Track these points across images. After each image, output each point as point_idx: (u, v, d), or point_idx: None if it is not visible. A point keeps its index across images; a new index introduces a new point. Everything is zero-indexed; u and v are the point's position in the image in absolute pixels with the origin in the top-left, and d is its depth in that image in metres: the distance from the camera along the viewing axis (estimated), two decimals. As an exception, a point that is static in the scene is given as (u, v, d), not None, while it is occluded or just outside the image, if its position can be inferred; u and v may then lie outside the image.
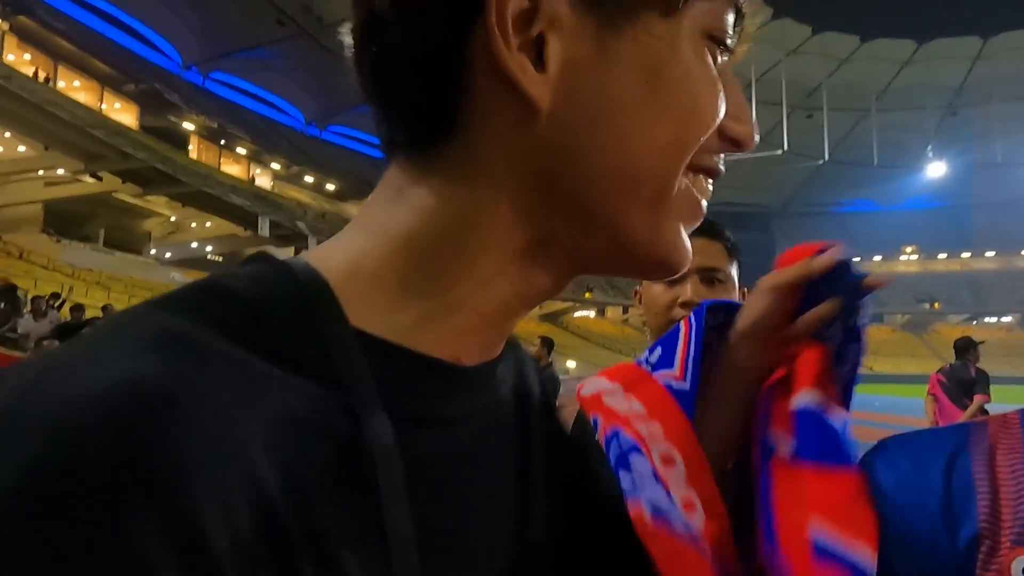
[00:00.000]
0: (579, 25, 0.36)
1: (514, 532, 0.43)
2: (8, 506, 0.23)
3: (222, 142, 33.72)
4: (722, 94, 0.39)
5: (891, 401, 17.28)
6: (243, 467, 0.29)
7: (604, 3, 0.36)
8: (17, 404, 0.26)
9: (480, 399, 0.43)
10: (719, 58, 0.40)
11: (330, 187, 41.87)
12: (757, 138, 0.44)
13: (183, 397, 0.28)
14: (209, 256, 31.82)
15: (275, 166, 37.68)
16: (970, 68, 44.58)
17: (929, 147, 51.63)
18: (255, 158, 36.00)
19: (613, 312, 48.65)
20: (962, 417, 5.76)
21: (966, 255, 59.78)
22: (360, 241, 0.40)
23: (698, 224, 0.43)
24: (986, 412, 5.55)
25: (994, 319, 55.12)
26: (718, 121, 0.39)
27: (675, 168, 0.38)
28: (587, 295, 43.26)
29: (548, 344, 6.68)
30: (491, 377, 0.45)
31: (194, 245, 30.92)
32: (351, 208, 43.07)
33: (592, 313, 48.74)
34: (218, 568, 0.26)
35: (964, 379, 6.09)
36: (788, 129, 41.80)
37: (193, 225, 30.76)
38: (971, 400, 5.92)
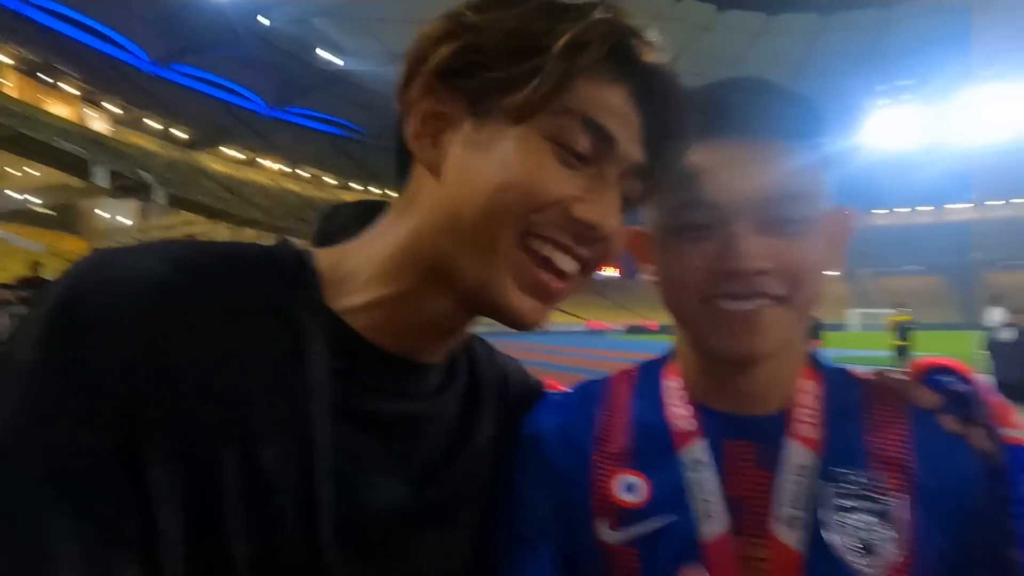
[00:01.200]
0: (463, 119, 0.55)
1: (411, 495, 0.59)
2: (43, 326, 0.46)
3: (46, 78, 29.64)
4: (550, 180, 0.53)
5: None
6: (196, 348, 0.49)
7: (486, 109, 0.54)
8: (70, 274, 0.49)
9: (401, 380, 0.60)
10: (569, 158, 0.54)
11: (180, 134, 38.39)
12: (612, 223, 0.56)
13: (174, 289, 0.50)
14: (36, 208, 28.27)
15: (113, 108, 33.86)
16: (811, 43, 48.33)
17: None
18: (88, 98, 32.04)
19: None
20: None
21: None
22: (356, 243, 0.62)
23: (546, 297, 0.56)
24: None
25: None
26: (539, 201, 0.53)
27: (491, 225, 0.53)
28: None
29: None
30: (422, 371, 0.62)
31: (16, 195, 27.19)
32: (204, 157, 39.74)
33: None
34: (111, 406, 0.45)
35: None
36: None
37: (16, 173, 26.94)
38: None
